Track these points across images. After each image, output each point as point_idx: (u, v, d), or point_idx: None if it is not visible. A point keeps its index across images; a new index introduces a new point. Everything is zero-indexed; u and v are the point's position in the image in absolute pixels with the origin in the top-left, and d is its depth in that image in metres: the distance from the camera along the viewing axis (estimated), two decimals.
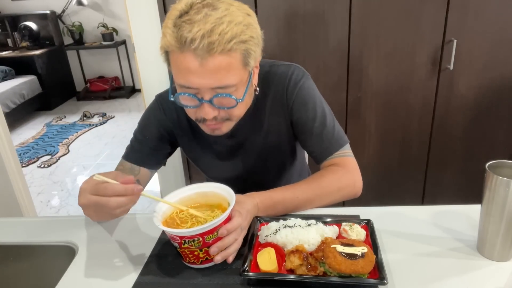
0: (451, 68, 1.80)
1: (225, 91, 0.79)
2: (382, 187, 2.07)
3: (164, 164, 1.09)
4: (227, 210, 0.73)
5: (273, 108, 0.99)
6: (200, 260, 0.75)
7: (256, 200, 0.85)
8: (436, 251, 0.78)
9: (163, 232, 0.88)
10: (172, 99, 0.84)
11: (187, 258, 0.75)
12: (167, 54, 0.80)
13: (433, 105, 1.90)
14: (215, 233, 0.72)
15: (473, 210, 0.88)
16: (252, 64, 0.82)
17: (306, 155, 1.28)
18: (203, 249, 0.73)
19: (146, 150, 1.02)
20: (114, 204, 0.71)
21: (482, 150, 1.98)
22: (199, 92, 0.79)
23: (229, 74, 0.77)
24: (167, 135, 1.05)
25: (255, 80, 0.91)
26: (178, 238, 0.72)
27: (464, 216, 0.88)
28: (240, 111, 0.88)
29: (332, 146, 0.96)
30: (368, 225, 0.82)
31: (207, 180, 1.22)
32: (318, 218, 0.84)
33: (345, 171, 0.94)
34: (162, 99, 1.04)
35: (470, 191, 1.96)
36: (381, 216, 0.90)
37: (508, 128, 1.93)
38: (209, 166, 1.10)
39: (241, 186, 0.97)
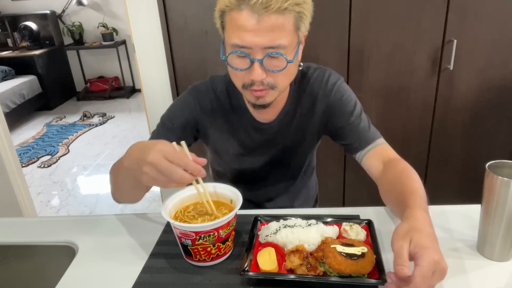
0: (451, 68, 1.80)
1: (276, 50, 0.81)
2: None
3: None
4: (237, 204, 0.76)
5: (306, 107, 1.03)
6: (211, 256, 0.76)
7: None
8: None
9: (163, 232, 0.88)
10: (224, 59, 0.86)
11: (198, 256, 0.75)
12: (222, 16, 0.84)
13: (433, 105, 1.90)
14: (229, 227, 0.75)
15: (473, 210, 0.88)
16: (303, 30, 0.85)
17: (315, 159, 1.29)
18: (216, 244, 0.74)
19: (172, 139, 1.00)
20: (179, 176, 0.69)
21: (482, 150, 1.98)
22: (251, 52, 0.81)
23: (282, 35, 0.80)
24: (194, 128, 1.04)
25: (300, 56, 0.92)
26: (194, 234, 0.72)
27: (464, 216, 0.88)
28: (284, 80, 0.89)
29: (369, 137, 1.00)
30: (369, 226, 0.82)
31: (214, 175, 1.21)
32: (318, 218, 0.84)
33: (401, 160, 0.95)
34: (198, 91, 1.03)
35: (470, 191, 1.96)
36: (381, 216, 0.90)
37: (508, 128, 1.93)
38: (235, 159, 1.10)
39: (260, 178, 1.03)
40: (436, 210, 0.90)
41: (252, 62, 0.82)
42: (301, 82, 1.03)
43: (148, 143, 0.75)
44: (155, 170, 0.69)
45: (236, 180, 1.13)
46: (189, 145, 1.05)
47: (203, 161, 0.73)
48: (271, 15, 0.77)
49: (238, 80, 0.89)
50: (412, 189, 0.79)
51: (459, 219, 0.88)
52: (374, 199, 0.97)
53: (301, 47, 0.91)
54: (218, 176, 1.20)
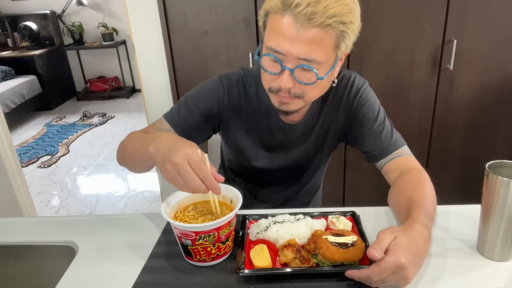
0: (451, 68, 1.80)
1: (309, 64, 0.80)
2: (382, 187, 2.06)
3: None
4: (237, 205, 0.76)
5: (329, 111, 1.02)
6: (211, 256, 0.76)
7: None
8: (436, 251, 0.78)
9: (163, 232, 0.88)
10: (256, 58, 0.86)
11: (198, 256, 0.75)
12: (266, 16, 0.82)
13: (433, 105, 1.90)
14: (229, 227, 0.75)
15: (473, 210, 0.88)
16: (343, 50, 0.83)
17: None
18: (216, 244, 0.74)
19: (190, 122, 0.99)
20: (195, 185, 0.70)
21: (482, 150, 1.98)
22: (285, 59, 0.80)
23: (319, 50, 0.78)
24: (216, 118, 1.01)
25: (336, 72, 0.90)
26: (194, 234, 0.72)
27: (464, 216, 0.88)
28: (314, 93, 0.88)
29: (391, 146, 0.98)
30: (353, 216, 0.86)
31: (227, 172, 1.20)
32: (305, 213, 0.86)
33: (420, 170, 0.93)
34: (229, 80, 1.01)
35: (470, 191, 1.96)
36: (381, 216, 0.90)
37: (508, 128, 1.93)
38: (254, 158, 1.08)
39: (275, 180, 1.03)
40: (436, 210, 0.90)
41: (282, 69, 0.82)
42: None
43: (179, 142, 0.75)
44: (176, 172, 0.70)
45: (250, 179, 1.12)
46: (207, 138, 1.06)
47: (221, 178, 0.73)
48: (312, 28, 0.75)
49: (266, 82, 0.88)
50: (420, 201, 0.79)
51: (459, 219, 0.88)
52: (374, 199, 0.97)
53: (340, 64, 0.89)
54: (232, 174, 1.17)
